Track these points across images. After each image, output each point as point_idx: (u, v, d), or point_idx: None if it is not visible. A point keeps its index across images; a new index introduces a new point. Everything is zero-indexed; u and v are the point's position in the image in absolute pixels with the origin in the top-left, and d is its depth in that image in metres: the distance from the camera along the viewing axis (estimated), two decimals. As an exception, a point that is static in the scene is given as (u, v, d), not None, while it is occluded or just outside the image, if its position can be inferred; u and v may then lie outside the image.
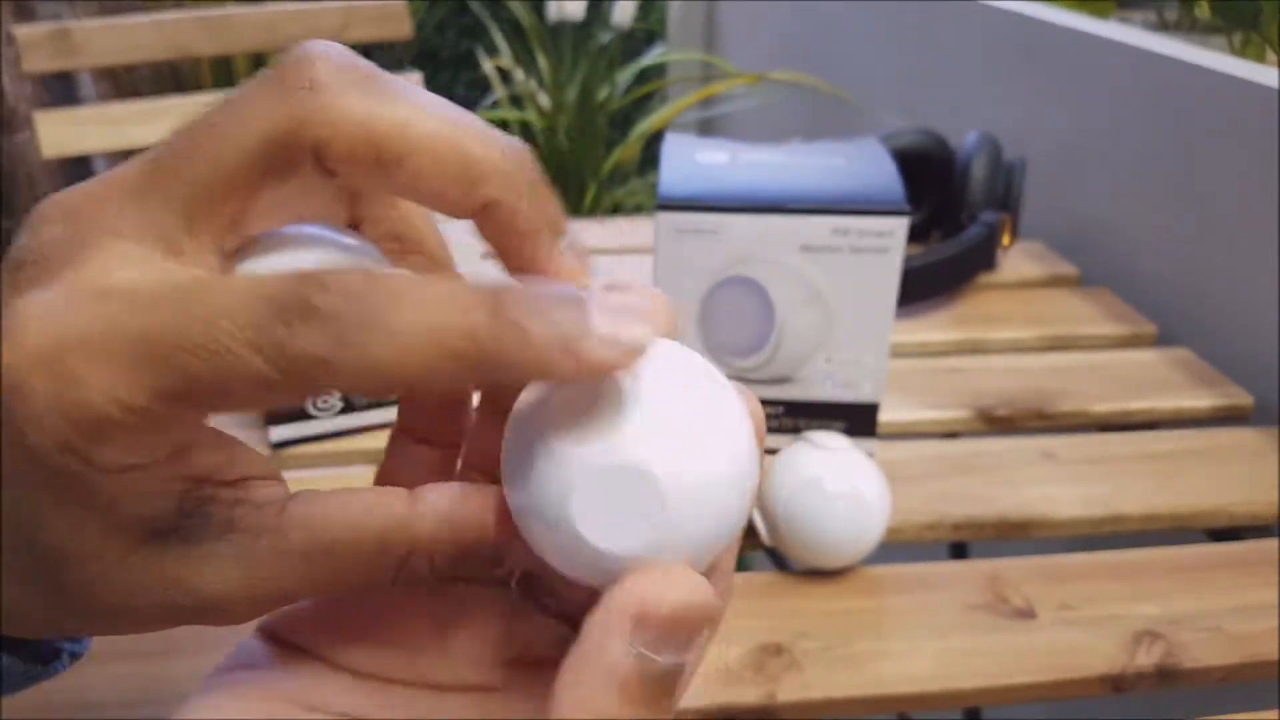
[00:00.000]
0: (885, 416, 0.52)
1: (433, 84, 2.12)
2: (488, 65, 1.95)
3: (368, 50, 1.85)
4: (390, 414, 0.49)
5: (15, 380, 0.15)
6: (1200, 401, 0.55)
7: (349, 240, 0.20)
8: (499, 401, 0.21)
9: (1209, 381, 0.56)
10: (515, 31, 2.06)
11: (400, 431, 0.22)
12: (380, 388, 0.15)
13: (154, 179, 0.16)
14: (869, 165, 0.47)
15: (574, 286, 0.16)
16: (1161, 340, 0.63)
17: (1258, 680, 0.38)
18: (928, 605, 0.40)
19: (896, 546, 0.44)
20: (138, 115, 1.01)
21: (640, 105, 2.05)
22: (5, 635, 0.18)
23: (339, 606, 0.20)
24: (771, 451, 0.46)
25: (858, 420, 0.48)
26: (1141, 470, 0.49)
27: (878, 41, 1.11)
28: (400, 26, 1.09)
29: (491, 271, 0.18)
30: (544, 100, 1.82)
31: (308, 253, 0.18)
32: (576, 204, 1.82)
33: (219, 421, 0.18)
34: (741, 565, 0.21)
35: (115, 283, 0.15)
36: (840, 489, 0.39)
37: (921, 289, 0.64)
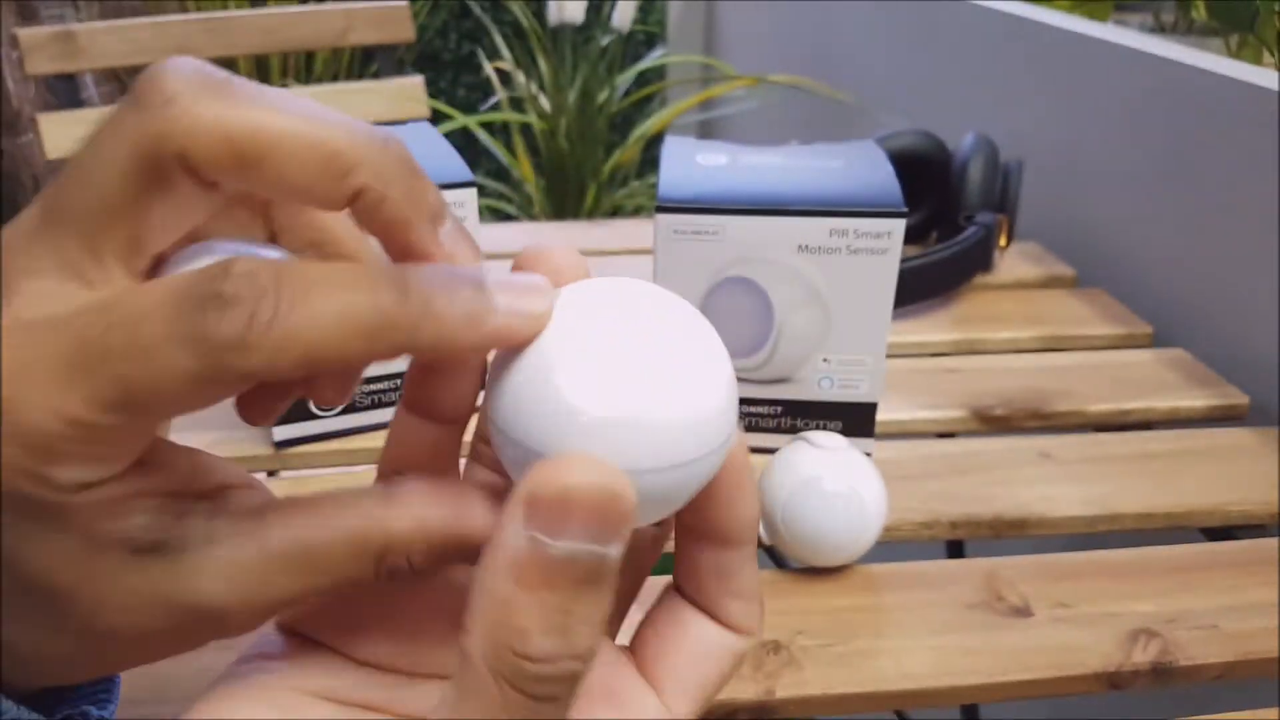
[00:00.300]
0: (883, 416, 0.53)
1: (434, 87, 2.12)
2: (489, 68, 1.96)
3: (369, 53, 1.84)
4: (392, 414, 0.50)
5: None
6: (1196, 401, 0.55)
7: (264, 249, 0.20)
8: None
9: (1205, 381, 0.57)
10: (516, 34, 2.06)
11: (403, 407, 0.22)
12: (297, 368, 0.15)
13: (49, 215, 0.17)
14: (866, 167, 0.48)
15: (474, 267, 0.17)
16: (1157, 341, 0.63)
17: (1254, 678, 0.38)
18: (925, 603, 0.40)
19: (894, 545, 0.44)
20: (140, 118, 1.02)
21: (640, 107, 2.06)
22: (30, 688, 0.18)
23: (354, 600, 0.21)
24: (770, 451, 0.46)
25: (855, 420, 0.48)
26: (1138, 470, 0.49)
27: (875, 44, 1.12)
28: (402, 29, 1.09)
29: None
30: (544, 103, 1.82)
31: (216, 258, 0.19)
32: (576, 206, 1.82)
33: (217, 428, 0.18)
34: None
35: (37, 314, 0.16)
36: (838, 488, 0.40)
37: (919, 290, 0.64)
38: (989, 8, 0.85)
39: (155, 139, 0.16)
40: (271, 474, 0.48)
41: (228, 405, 0.22)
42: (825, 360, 0.47)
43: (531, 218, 1.84)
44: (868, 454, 0.48)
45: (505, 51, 1.96)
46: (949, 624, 0.39)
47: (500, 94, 1.91)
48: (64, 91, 0.99)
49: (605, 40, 1.90)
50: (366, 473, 0.48)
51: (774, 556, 0.44)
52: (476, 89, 2.17)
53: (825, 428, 0.48)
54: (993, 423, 0.54)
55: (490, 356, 0.19)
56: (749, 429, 0.49)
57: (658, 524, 0.21)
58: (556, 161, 1.81)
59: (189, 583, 0.17)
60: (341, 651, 0.20)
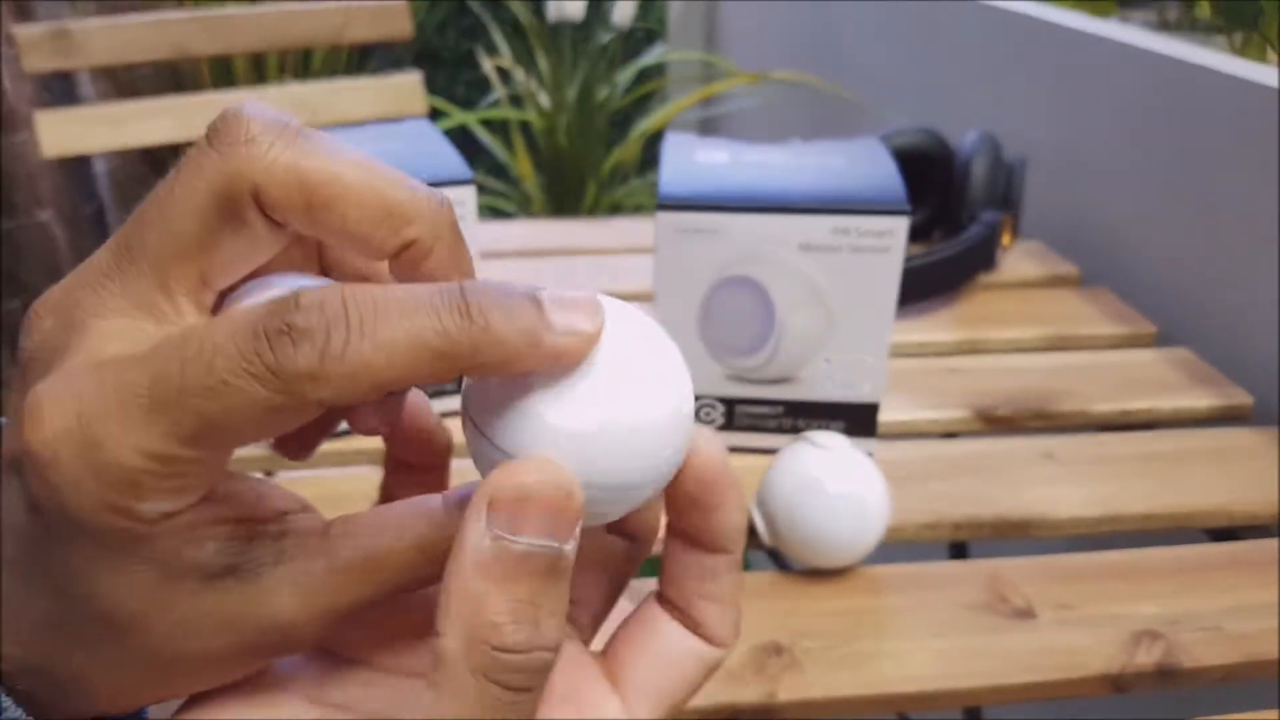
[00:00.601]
0: (885, 416, 0.52)
1: (433, 84, 2.12)
2: (488, 65, 1.95)
3: (367, 50, 1.84)
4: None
5: (45, 458, 0.16)
6: (1200, 401, 0.55)
7: (320, 280, 0.21)
8: None
9: (1209, 381, 0.57)
10: (515, 31, 2.05)
11: (388, 470, 0.23)
12: (368, 391, 0.16)
13: (122, 256, 0.18)
14: (869, 165, 0.47)
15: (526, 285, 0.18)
16: (1161, 340, 0.63)
17: (1257, 680, 0.38)
18: (928, 605, 0.40)
19: (896, 546, 0.44)
20: (138, 115, 1.01)
21: (640, 105, 2.05)
22: (82, 716, 0.19)
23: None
24: (771, 451, 0.46)
25: (858, 420, 0.48)
26: (1141, 470, 0.49)
27: (878, 41, 1.11)
28: (400, 26, 1.09)
29: None
30: (544, 100, 1.82)
31: (281, 291, 0.20)
32: (576, 204, 1.82)
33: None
34: (742, 565, 0.22)
35: (109, 355, 0.17)
36: (840, 489, 0.39)
37: (922, 289, 0.64)
38: (993, 5, 0.84)
39: (233, 177, 0.17)
40: (269, 474, 0.48)
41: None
42: (827, 360, 0.46)
43: (530, 215, 1.84)
44: (870, 455, 0.48)
45: (504, 48, 1.96)
46: (952, 626, 0.39)
47: (499, 91, 1.91)
48: (60, 89, 0.98)
49: (605, 37, 1.90)
50: (366, 473, 0.47)
51: (776, 558, 0.44)
52: (475, 86, 2.17)
53: (827, 428, 0.48)
54: (996, 423, 0.54)
55: None
56: (750, 429, 0.49)
57: (631, 537, 0.22)
58: (556, 159, 1.80)
59: (263, 601, 0.17)
60: (349, 656, 0.21)
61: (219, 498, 0.17)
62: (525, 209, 1.86)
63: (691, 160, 0.48)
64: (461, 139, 1.96)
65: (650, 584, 0.23)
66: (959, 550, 0.65)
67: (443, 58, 2.16)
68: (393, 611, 0.21)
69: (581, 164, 1.79)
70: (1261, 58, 0.78)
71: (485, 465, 0.18)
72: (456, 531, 0.17)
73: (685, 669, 0.21)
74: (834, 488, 0.39)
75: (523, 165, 1.80)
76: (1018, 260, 0.72)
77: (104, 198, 1.48)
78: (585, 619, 0.22)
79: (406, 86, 1.10)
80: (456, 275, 0.19)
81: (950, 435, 0.55)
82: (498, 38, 2.00)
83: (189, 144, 0.18)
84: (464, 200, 0.44)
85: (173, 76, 1.68)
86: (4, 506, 0.17)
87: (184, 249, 0.18)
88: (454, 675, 0.16)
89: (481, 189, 1.87)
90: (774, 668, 0.37)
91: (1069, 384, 0.56)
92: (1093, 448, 0.51)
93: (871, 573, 0.41)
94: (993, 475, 0.48)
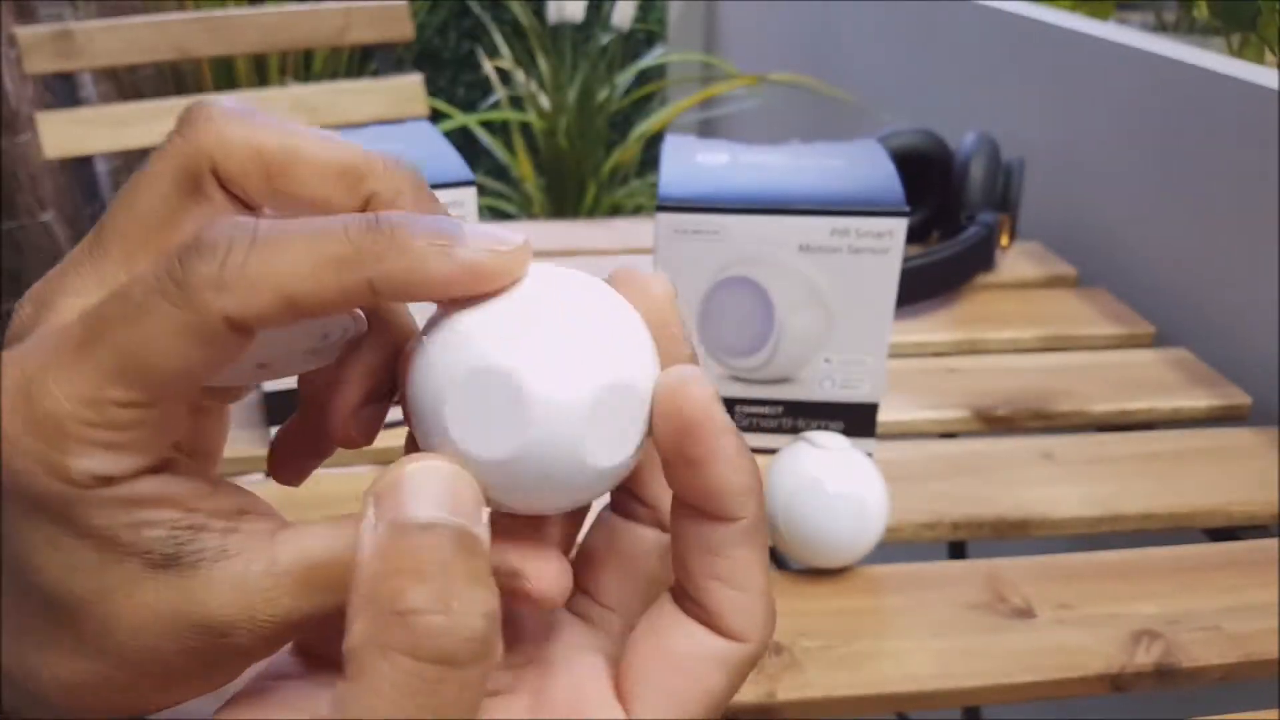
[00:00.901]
0: (884, 416, 0.52)
1: (433, 85, 2.12)
2: (488, 67, 1.95)
3: (368, 51, 1.84)
4: (393, 413, 0.49)
5: (2, 426, 0.16)
6: (1198, 402, 0.55)
7: None
8: None
9: (1207, 382, 0.57)
10: (516, 33, 2.06)
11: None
12: (274, 303, 0.16)
13: (95, 243, 0.19)
14: (868, 166, 0.47)
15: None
16: (1160, 340, 0.63)
17: (1256, 680, 0.38)
18: (927, 605, 0.40)
19: (895, 546, 0.44)
20: (139, 116, 1.01)
21: (640, 106, 2.05)
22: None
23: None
24: (771, 451, 0.46)
25: (857, 420, 0.48)
26: (1140, 470, 0.49)
27: (877, 43, 1.11)
28: (401, 28, 1.09)
29: None
30: (544, 101, 1.82)
31: None
32: (576, 205, 1.82)
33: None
34: (765, 544, 0.19)
35: (66, 319, 0.17)
36: (840, 489, 0.39)
37: (920, 289, 0.64)
38: (991, 6, 0.85)
39: (192, 155, 0.18)
40: (267, 475, 0.48)
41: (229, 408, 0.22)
42: (826, 360, 0.47)
43: (531, 217, 1.84)
44: (869, 455, 0.48)
45: (505, 50, 1.96)
46: (951, 625, 0.39)
47: (500, 93, 1.91)
48: (62, 90, 0.98)
49: (605, 39, 1.90)
50: (367, 473, 0.48)
51: (775, 558, 0.44)
52: (476, 87, 2.17)
53: (827, 428, 0.48)
54: (995, 423, 0.54)
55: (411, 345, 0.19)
56: (749, 429, 0.49)
57: (662, 527, 0.20)
58: (556, 160, 1.80)
59: (198, 599, 0.17)
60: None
61: (170, 480, 0.17)
62: (526, 210, 1.86)
63: (691, 161, 0.48)
64: (462, 140, 1.96)
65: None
66: (958, 550, 0.65)
67: (443, 59, 2.16)
68: None
69: (582, 165, 1.79)
70: (1259, 59, 0.78)
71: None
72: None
73: (699, 674, 0.18)
74: (833, 488, 0.39)
75: (523, 167, 1.81)
76: (1016, 261, 0.72)
77: (106, 199, 1.48)
78: (617, 626, 0.20)
79: (407, 88, 1.10)
80: None
81: (949, 435, 0.55)
82: (498, 39, 2.00)
83: None
84: (465, 201, 0.44)
85: (175, 78, 1.68)
86: None
87: (148, 228, 0.18)
88: (361, 662, 0.15)
89: (482, 190, 1.87)
90: (773, 667, 0.37)
91: (1068, 384, 0.56)
92: (1091, 448, 0.51)
93: (871, 572, 0.42)
94: (992, 475, 0.48)
